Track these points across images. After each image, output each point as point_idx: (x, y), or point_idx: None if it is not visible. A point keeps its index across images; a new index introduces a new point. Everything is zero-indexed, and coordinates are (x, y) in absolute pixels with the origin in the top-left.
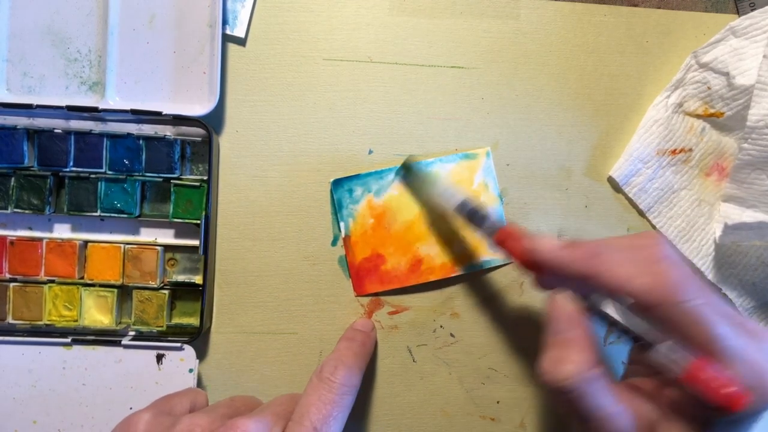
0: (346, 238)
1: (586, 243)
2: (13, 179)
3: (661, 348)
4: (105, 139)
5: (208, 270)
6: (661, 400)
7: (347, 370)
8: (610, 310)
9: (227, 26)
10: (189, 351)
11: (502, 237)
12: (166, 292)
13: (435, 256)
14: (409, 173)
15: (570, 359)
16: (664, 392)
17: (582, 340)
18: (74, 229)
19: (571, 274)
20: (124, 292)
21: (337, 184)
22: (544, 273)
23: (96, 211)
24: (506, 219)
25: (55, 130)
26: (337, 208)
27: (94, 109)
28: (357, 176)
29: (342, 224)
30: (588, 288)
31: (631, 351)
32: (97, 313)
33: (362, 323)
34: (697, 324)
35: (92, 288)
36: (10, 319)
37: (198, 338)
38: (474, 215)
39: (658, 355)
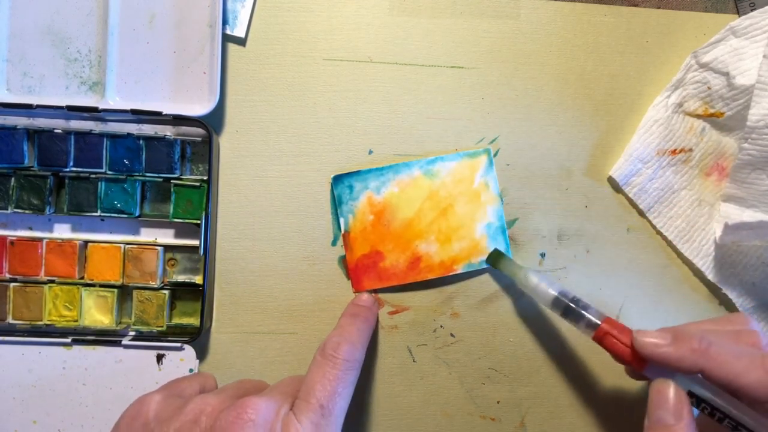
0: (346, 234)
1: (690, 335)
2: (13, 179)
3: None
4: (105, 139)
5: (208, 270)
6: None
7: (350, 346)
8: (717, 401)
9: (227, 26)
10: (189, 351)
11: (602, 333)
12: (166, 292)
13: (434, 254)
14: (497, 263)
15: None
16: None
17: (687, 430)
18: (74, 229)
19: (679, 370)
20: (124, 292)
21: (338, 180)
22: (648, 369)
23: (96, 211)
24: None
25: (55, 130)
26: (337, 204)
27: (94, 109)
28: (357, 173)
29: (342, 220)
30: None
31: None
32: (97, 313)
33: (365, 299)
34: None
35: (92, 288)
36: (10, 319)
37: (198, 338)
38: (570, 311)
39: None
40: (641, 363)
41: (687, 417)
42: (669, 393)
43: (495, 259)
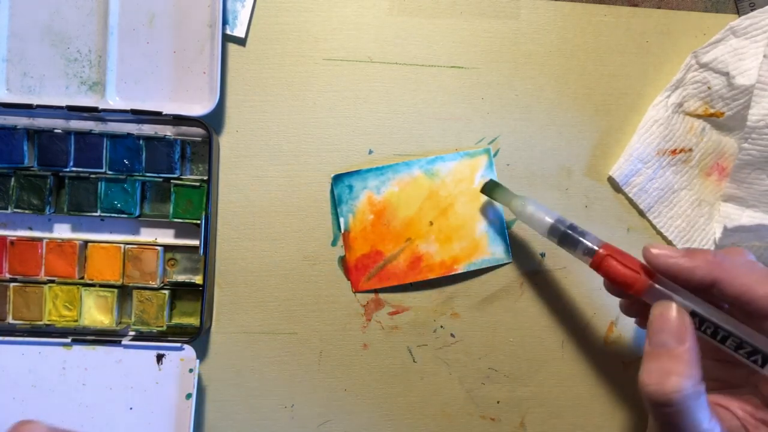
0: (346, 234)
1: (702, 250)
2: (13, 179)
3: None
4: (105, 139)
5: (208, 270)
6: (760, 416)
7: None
8: (720, 320)
9: (227, 26)
10: (189, 351)
11: (600, 257)
12: (166, 292)
13: (434, 253)
14: (492, 192)
15: (679, 372)
16: (764, 410)
17: (690, 353)
18: (74, 229)
19: (694, 281)
20: (124, 292)
21: (338, 179)
22: (648, 292)
23: (96, 211)
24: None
25: (55, 130)
26: (337, 203)
27: (94, 109)
28: (357, 172)
29: (341, 219)
30: (702, 297)
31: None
32: (97, 313)
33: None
34: None
35: (92, 288)
36: (10, 319)
37: (198, 338)
38: (567, 237)
39: None
40: (642, 286)
41: (690, 340)
42: (671, 314)
43: (490, 188)
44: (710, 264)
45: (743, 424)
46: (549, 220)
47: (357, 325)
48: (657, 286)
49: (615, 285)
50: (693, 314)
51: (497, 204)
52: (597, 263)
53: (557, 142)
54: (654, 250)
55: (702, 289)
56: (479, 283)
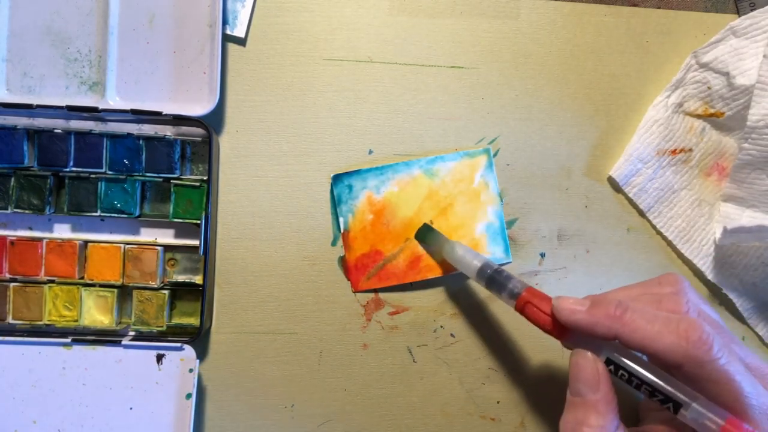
0: (345, 234)
1: (607, 301)
2: (13, 179)
3: (696, 407)
4: (105, 139)
5: (208, 270)
6: None
7: None
8: (638, 368)
9: (227, 26)
10: (189, 351)
11: (522, 302)
12: (166, 292)
13: None
14: (426, 237)
15: (591, 423)
16: None
17: (604, 404)
18: (74, 229)
19: (595, 336)
20: (124, 292)
21: (337, 179)
22: (569, 338)
23: (96, 211)
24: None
25: (55, 130)
26: (336, 203)
27: (94, 109)
28: (357, 172)
29: (341, 219)
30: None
31: (641, 403)
32: (97, 313)
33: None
34: (724, 383)
35: (92, 288)
36: (10, 319)
37: (198, 338)
38: (493, 281)
39: (693, 414)
40: (562, 332)
41: (604, 389)
42: (585, 364)
43: (423, 233)
44: (610, 319)
45: None
46: (477, 263)
47: (357, 325)
48: (575, 333)
49: (541, 330)
50: (609, 362)
51: (497, 204)
52: (520, 308)
53: (557, 142)
54: (557, 305)
55: (610, 340)
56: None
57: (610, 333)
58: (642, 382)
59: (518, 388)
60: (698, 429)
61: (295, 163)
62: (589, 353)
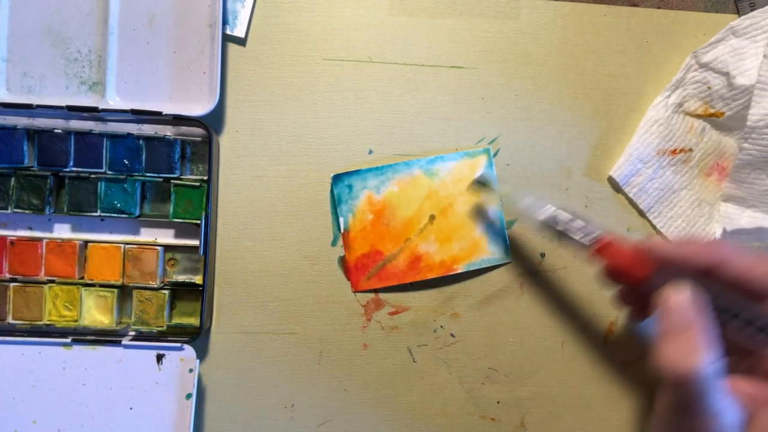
0: (345, 234)
1: (697, 239)
2: (13, 179)
3: None
4: (105, 139)
5: (208, 270)
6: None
7: None
8: (729, 301)
9: (227, 26)
10: (189, 351)
11: (602, 245)
12: (166, 292)
13: (434, 253)
14: (484, 188)
15: (700, 349)
16: None
17: (707, 333)
18: (74, 229)
19: (695, 266)
20: (124, 292)
21: (337, 179)
22: (649, 278)
23: (96, 211)
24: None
25: (55, 130)
26: (336, 203)
27: (94, 109)
28: (357, 172)
29: (341, 219)
30: (702, 283)
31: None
32: (97, 313)
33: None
34: None
35: (92, 288)
36: (10, 319)
37: (198, 338)
38: (568, 226)
39: None
40: (643, 272)
41: (705, 319)
42: (686, 294)
43: (485, 180)
44: (710, 248)
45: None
46: (551, 206)
47: (357, 325)
48: (658, 273)
49: (618, 271)
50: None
51: (497, 204)
52: (601, 249)
53: (557, 142)
54: (653, 241)
55: (701, 276)
56: (479, 283)
57: (710, 261)
58: (735, 314)
59: (518, 388)
60: None
61: (295, 163)
62: (684, 287)
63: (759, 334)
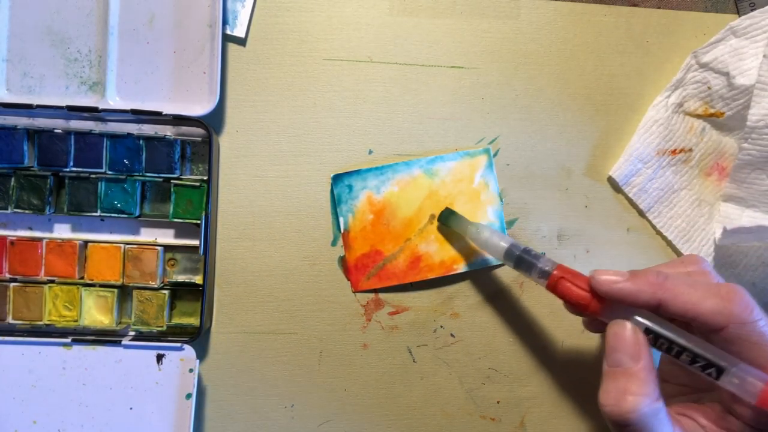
0: (345, 234)
1: (645, 272)
2: (13, 179)
3: (737, 370)
4: (105, 139)
5: (208, 270)
6: (723, 424)
7: None
8: (674, 335)
9: (227, 26)
10: (189, 351)
11: (555, 279)
12: (166, 292)
13: (434, 253)
14: (448, 220)
15: (634, 391)
16: (726, 418)
17: (645, 372)
18: (74, 229)
19: (639, 304)
20: (124, 292)
21: (337, 179)
22: (604, 311)
23: (96, 211)
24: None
25: (55, 130)
26: (336, 203)
27: (94, 109)
28: (357, 172)
29: (341, 219)
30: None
31: (661, 370)
32: (97, 313)
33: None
34: (763, 344)
35: (92, 288)
36: (10, 319)
37: (198, 338)
38: (522, 261)
39: (734, 377)
40: (596, 306)
41: (645, 358)
42: (626, 333)
43: (446, 216)
44: (653, 286)
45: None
46: (504, 244)
47: (357, 325)
48: (611, 306)
49: (571, 306)
50: (647, 331)
51: (497, 204)
52: (552, 285)
53: (557, 142)
54: (599, 277)
55: (651, 309)
56: (479, 283)
57: (653, 300)
58: (683, 349)
59: (518, 388)
60: (739, 392)
61: (295, 163)
62: (628, 323)
63: (709, 368)
